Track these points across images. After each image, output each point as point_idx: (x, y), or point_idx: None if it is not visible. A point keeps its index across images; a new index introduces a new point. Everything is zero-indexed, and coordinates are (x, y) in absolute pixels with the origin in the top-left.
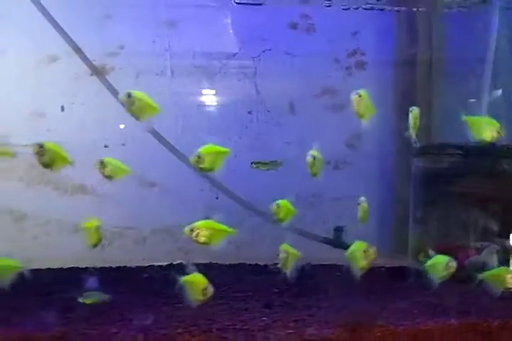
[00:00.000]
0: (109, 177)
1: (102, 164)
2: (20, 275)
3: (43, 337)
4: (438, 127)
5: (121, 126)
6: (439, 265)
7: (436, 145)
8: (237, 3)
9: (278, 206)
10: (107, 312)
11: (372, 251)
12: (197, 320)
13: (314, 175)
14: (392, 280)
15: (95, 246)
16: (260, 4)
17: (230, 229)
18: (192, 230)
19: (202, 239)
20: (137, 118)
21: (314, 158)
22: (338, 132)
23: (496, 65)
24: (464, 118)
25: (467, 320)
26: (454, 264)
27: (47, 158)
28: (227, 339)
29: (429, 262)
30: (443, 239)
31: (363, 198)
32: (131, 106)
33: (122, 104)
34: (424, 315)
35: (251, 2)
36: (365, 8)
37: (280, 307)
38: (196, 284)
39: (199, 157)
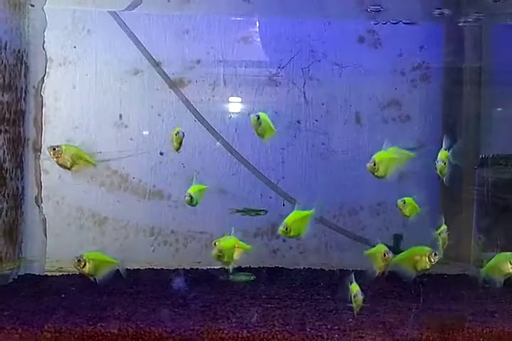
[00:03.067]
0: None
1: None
2: (117, 272)
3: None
4: (491, 138)
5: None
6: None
7: (503, 156)
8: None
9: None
10: (205, 310)
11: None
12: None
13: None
14: (458, 287)
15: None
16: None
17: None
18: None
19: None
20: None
21: (404, 202)
22: (403, 141)
23: None
24: None
25: None
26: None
27: (64, 159)
28: (323, 338)
29: (487, 266)
30: (506, 248)
31: (443, 227)
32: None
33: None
34: (505, 319)
35: None
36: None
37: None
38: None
39: (286, 228)
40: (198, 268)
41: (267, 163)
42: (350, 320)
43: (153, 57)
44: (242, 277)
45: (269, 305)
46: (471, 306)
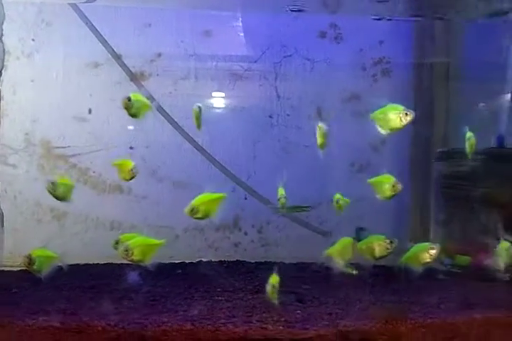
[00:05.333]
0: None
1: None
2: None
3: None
4: (454, 132)
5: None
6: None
7: (459, 150)
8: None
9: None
10: (154, 304)
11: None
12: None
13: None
14: (414, 279)
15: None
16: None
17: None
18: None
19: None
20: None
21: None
22: (361, 136)
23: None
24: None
25: (490, 314)
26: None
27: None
28: (267, 329)
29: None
30: (463, 240)
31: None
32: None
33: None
34: (450, 310)
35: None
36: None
37: (311, 302)
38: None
39: (192, 209)
40: (158, 262)
41: (239, 158)
42: (299, 311)
43: (115, 50)
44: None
45: (220, 298)
46: (418, 297)
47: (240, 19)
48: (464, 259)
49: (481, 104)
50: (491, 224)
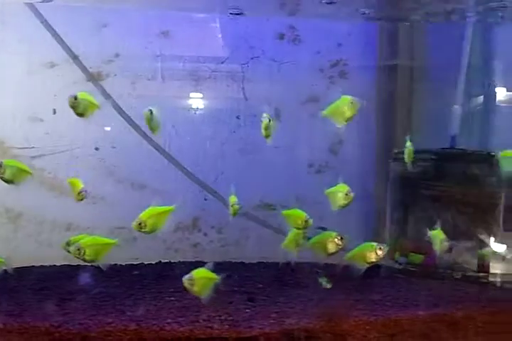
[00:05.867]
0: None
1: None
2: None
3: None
4: (418, 133)
5: (107, 129)
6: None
7: (412, 150)
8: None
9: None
10: (103, 305)
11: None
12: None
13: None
14: (368, 277)
15: None
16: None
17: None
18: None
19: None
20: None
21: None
22: (321, 137)
23: (469, 73)
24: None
25: (434, 311)
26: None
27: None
28: (212, 328)
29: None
30: (417, 238)
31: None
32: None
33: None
34: (394, 307)
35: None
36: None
37: (262, 301)
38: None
39: (140, 223)
40: (116, 264)
41: (207, 159)
42: (248, 310)
43: (72, 50)
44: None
45: (171, 298)
46: (366, 295)
47: (201, 20)
48: (417, 257)
49: (455, 106)
50: (443, 223)
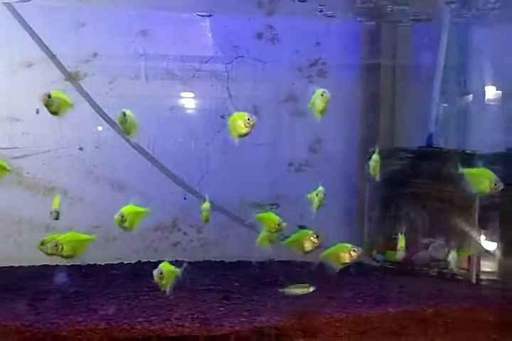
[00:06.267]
0: None
1: None
2: None
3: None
4: (401, 132)
5: (100, 128)
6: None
7: (389, 149)
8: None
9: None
10: (76, 304)
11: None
12: (157, 310)
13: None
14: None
15: None
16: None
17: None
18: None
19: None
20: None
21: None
22: (302, 136)
23: (446, 72)
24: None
25: (404, 308)
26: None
27: None
28: (184, 326)
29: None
30: (393, 236)
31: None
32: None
33: None
34: (365, 304)
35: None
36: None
37: (237, 299)
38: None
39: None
40: (95, 264)
41: (191, 158)
42: (222, 309)
43: (49, 49)
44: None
45: (145, 297)
46: (339, 293)
47: (181, 19)
48: (394, 255)
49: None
50: (419, 221)
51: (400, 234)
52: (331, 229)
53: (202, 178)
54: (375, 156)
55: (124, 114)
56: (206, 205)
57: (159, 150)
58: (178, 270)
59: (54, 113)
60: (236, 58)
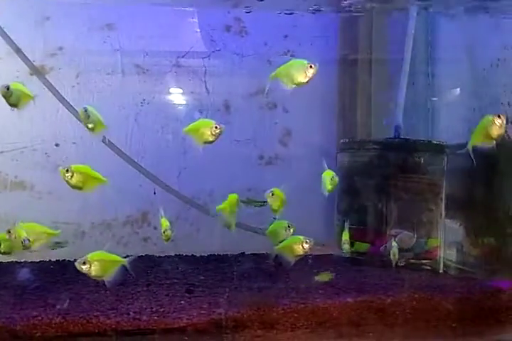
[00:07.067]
0: None
1: None
2: None
3: None
4: (377, 124)
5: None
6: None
7: (358, 140)
8: None
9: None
10: (35, 299)
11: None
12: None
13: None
14: (314, 267)
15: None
16: None
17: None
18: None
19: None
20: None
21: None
22: (272, 129)
23: (413, 64)
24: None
25: (362, 298)
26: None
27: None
28: (141, 320)
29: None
30: (362, 228)
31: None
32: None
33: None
34: (325, 295)
35: None
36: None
37: (201, 292)
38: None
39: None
40: (64, 260)
41: (169, 153)
42: (182, 302)
43: (15, 43)
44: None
45: (107, 292)
46: (300, 283)
47: (150, 12)
48: (362, 246)
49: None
50: (386, 212)
51: (345, 228)
52: (307, 221)
53: (180, 173)
54: (329, 174)
55: (86, 110)
56: (165, 223)
57: (136, 146)
58: (116, 258)
59: (13, 105)
60: (213, 52)
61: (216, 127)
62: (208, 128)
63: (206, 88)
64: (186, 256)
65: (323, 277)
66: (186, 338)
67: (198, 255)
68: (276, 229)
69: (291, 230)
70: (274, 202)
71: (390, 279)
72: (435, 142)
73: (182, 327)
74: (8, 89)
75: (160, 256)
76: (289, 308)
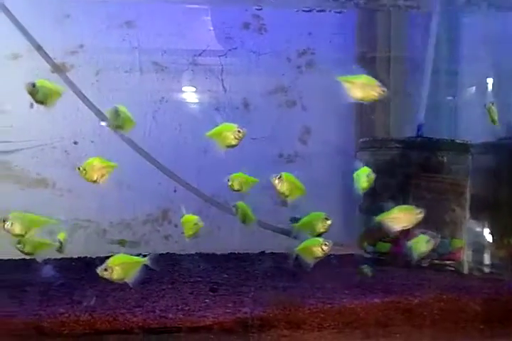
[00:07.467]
0: None
1: None
2: None
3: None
4: (396, 123)
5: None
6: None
7: (379, 139)
8: None
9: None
10: (61, 296)
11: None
12: (142, 302)
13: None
14: (335, 266)
15: None
16: None
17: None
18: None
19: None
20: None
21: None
22: (291, 127)
23: (436, 63)
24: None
25: (389, 299)
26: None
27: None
28: (167, 318)
29: (300, 246)
30: (384, 227)
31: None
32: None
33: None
34: (351, 295)
35: None
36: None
37: (224, 291)
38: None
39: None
40: (86, 257)
41: (188, 152)
42: (207, 300)
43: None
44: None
45: (131, 290)
46: (325, 283)
47: (171, 10)
48: (384, 246)
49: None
50: None
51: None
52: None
53: (199, 171)
54: (366, 170)
55: (116, 109)
56: (193, 218)
57: (154, 145)
58: (137, 259)
59: (40, 102)
60: (229, 50)
61: (239, 131)
62: (231, 132)
63: (223, 86)
64: (207, 254)
65: (364, 272)
66: (212, 337)
67: (218, 253)
68: (312, 220)
69: (328, 222)
70: (281, 186)
71: (415, 280)
72: (459, 141)
73: (208, 326)
74: (34, 86)
75: (181, 254)
76: (316, 308)
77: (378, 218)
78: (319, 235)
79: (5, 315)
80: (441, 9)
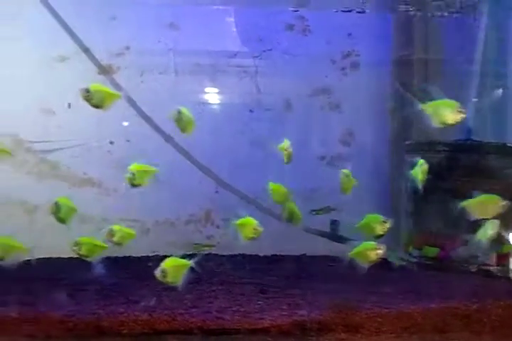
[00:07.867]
0: None
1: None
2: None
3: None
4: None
5: (125, 124)
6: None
7: (427, 142)
8: None
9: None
10: (116, 295)
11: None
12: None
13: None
14: (384, 270)
15: None
16: None
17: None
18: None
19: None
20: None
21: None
22: (333, 129)
23: (485, 65)
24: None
25: (447, 304)
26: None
27: None
28: (224, 319)
29: (354, 251)
30: (431, 231)
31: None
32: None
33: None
34: (407, 300)
35: None
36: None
37: (274, 293)
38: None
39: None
40: (130, 256)
41: (218, 152)
42: (260, 302)
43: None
44: None
45: (182, 290)
46: (379, 288)
47: (211, 12)
48: (431, 250)
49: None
50: (459, 216)
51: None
52: None
53: (238, 173)
54: (421, 161)
55: (179, 112)
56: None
57: (189, 145)
58: (186, 262)
59: (96, 106)
60: (264, 51)
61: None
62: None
63: (257, 87)
64: (250, 255)
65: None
66: (270, 339)
67: (261, 255)
68: (369, 223)
69: (387, 225)
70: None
71: (468, 285)
72: (510, 145)
73: (266, 328)
74: (87, 91)
75: (223, 255)
76: (373, 312)
77: (463, 203)
78: (378, 237)
79: (64, 314)
80: (489, 10)
